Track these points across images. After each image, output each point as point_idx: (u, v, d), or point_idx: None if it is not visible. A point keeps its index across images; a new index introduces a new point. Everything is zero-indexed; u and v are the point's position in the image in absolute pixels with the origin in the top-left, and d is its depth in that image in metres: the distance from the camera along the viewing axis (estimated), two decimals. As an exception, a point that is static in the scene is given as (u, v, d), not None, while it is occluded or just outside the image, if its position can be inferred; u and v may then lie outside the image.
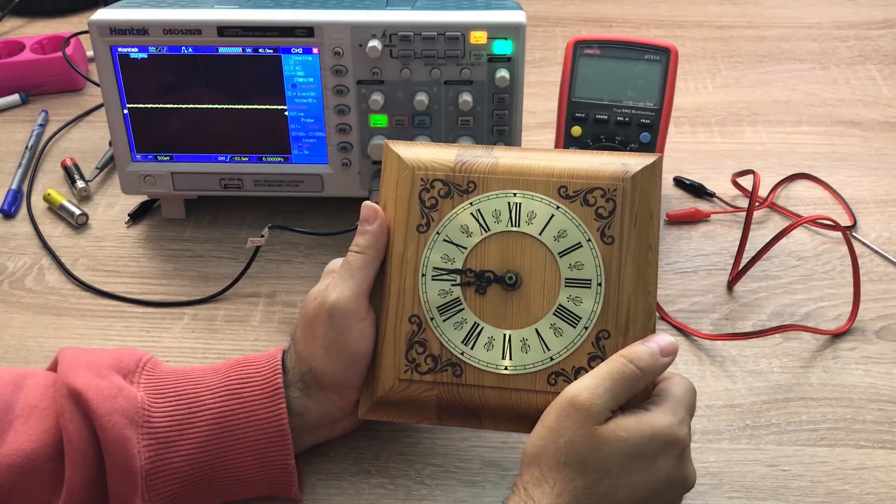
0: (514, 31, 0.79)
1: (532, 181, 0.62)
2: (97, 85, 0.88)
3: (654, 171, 0.61)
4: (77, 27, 1.21)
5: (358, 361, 0.62)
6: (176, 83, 0.82)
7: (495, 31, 0.79)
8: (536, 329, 0.61)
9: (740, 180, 0.95)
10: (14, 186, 0.97)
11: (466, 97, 0.81)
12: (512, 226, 0.62)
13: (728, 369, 0.74)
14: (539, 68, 1.18)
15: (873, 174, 0.97)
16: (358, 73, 0.81)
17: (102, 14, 0.80)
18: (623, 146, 0.83)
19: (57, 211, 0.93)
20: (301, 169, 0.85)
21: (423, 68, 0.80)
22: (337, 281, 0.62)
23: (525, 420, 0.59)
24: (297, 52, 0.80)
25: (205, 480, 0.61)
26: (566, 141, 0.84)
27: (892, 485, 0.65)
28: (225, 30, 0.79)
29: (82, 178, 0.97)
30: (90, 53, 1.19)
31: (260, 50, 0.80)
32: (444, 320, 0.62)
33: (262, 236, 0.80)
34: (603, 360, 0.59)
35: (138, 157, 0.86)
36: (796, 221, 0.82)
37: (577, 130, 0.83)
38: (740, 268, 0.81)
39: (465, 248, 0.62)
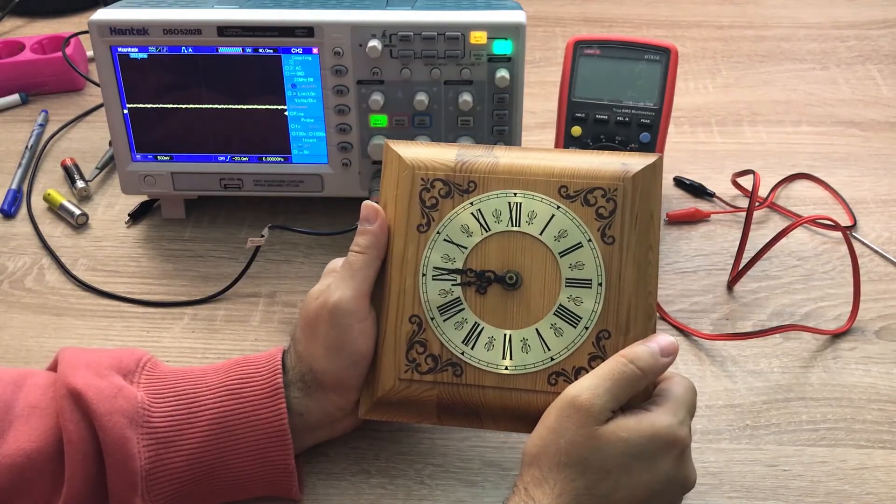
0: (514, 31, 0.79)
1: (532, 181, 0.62)
2: (97, 85, 0.88)
3: (654, 170, 0.61)
4: (77, 27, 1.21)
5: (359, 361, 0.62)
6: (176, 83, 0.82)
7: (495, 31, 0.79)
8: (537, 329, 0.61)
9: (740, 180, 0.95)
10: (14, 186, 0.97)
11: (466, 97, 0.81)
12: (512, 226, 0.62)
13: (728, 369, 0.74)
14: (539, 68, 1.18)
15: (873, 174, 0.97)
16: (358, 73, 0.81)
17: (102, 14, 0.80)
18: (623, 146, 0.83)
19: (57, 211, 0.93)
20: (301, 169, 0.85)
21: (423, 68, 0.80)
22: (338, 281, 0.62)
23: (525, 420, 0.59)
24: (297, 52, 0.80)
25: (205, 480, 0.61)
26: (566, 141, 0.84)
27: (892, 485, 0.65)
28: (225, 30, 0.79)
29: (82, 178, 0.97)
30: (90, 53, 1.19)
31: (260, 50, 0.80)
32: (444, 320, 0.62)
33: (262, 236, 0.80)
34: (603, 360, 0.59)
35: (138, 157, 0.86)
36: (796, 221, 0.82)
37: (577, 130, 0.83)
38: (740, 268, 0.81)
39: (466, 248, 0.62)
